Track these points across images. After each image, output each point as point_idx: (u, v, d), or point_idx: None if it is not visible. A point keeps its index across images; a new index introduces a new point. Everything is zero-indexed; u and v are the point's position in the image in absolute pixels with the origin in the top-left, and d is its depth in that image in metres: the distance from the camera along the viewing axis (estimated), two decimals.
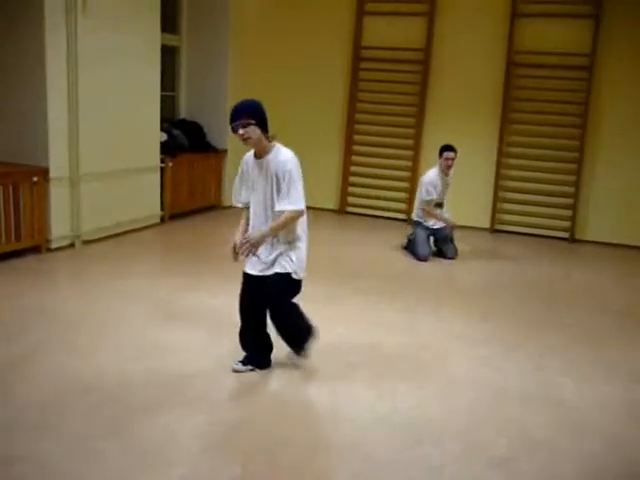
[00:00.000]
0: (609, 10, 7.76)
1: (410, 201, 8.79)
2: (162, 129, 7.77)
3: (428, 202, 6.95)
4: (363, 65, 8.84)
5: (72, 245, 6.46)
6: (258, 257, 3.74)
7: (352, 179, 9.13)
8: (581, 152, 8.08)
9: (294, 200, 3.58)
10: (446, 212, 7.15)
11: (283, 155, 3.63)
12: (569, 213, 8.24)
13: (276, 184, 3.60)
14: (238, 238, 3.77)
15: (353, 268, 6.51)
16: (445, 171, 6.96)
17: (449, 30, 8.41)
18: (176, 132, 8.14)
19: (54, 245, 6.29)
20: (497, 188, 8.48)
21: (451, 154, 6.87)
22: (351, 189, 9.17)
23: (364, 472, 2.96)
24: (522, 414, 3.61)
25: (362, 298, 5.50)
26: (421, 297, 5.66)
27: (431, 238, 7.14)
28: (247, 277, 3.83)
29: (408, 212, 8.73)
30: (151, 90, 7.38)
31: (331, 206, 9.20)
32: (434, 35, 8.46)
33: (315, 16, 8.91)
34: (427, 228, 7.04)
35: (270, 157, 3.63)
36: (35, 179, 5.98)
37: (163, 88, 7.69)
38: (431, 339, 4.69)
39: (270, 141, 3.64)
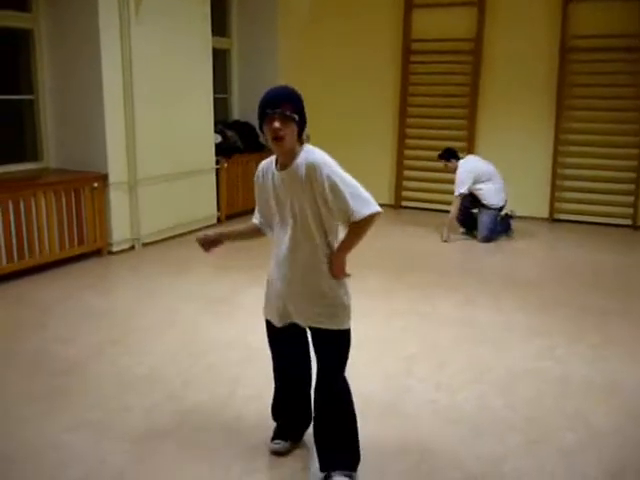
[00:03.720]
0: None
1: None
2: (216, 131, 7.88)
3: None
4: (413, 58, 8.77)
5: (132, 248, 6.63)
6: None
7: (406, 173, 9.07)
8: None
9: (366, 199, 2.69)
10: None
11: (316, 153, 2.61)
12: (631, 199, 7.99)
13: (320, 193, 2.55)
14: (214, 232, 3.03)
15: (409, 261, 6.48)
16: None
17: (500, 18, 8.25)
18: (230, 133, 8.23)
19: (115, 248, 6.46)
20: (555, 176, 8.28)
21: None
22: (405, 183, 9.11)
23: (423, 466, 2.95)
24: (586, 405, 3.54)
25: (419, 291, 5.46)
26: (479, 289, 5.59)
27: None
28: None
29: None
30: (204, 93, 7.49)
31: (386, 201, 9.17)
32: (485, 24, 8.32)
33: (363, 13, 8.88)
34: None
35: (299, 161, 2.59)
36: (95, 185, 6.16)
37: (215, 90, 7.78)
38: (489, 331, 4.63)
39: (302, 144, 2.65)
